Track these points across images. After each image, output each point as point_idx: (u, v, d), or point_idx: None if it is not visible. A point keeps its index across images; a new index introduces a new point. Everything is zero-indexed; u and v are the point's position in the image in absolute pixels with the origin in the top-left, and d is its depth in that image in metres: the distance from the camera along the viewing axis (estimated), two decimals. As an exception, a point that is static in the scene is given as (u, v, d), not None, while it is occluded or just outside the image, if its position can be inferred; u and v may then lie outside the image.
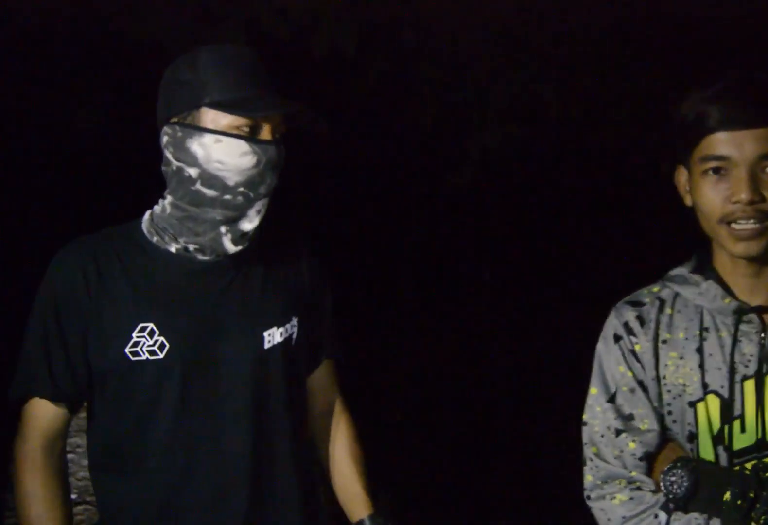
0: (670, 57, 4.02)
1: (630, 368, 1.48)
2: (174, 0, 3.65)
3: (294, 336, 1.66)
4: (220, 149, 1.50)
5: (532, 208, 4.90)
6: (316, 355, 1.78)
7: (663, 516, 1.39)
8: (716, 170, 1.37)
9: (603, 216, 4.71)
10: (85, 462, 4.07)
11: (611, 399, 1.48)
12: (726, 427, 1.41)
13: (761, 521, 1.32)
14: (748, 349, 1.41)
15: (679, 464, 1.40)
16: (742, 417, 1.40)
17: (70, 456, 4.22)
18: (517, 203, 4.86)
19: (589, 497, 1.49)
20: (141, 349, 1.52)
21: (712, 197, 1.38)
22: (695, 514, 1.38)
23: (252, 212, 1.55)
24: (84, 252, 1.58)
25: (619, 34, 4.03)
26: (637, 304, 1.52)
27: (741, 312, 1.42)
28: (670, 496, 1.39)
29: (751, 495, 1.33)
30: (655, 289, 1.55)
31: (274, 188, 1.58)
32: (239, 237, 1.56)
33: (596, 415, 1.49)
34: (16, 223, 3.94)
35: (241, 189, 1.51)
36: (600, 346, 1.54)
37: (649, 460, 1.45)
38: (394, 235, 5.39)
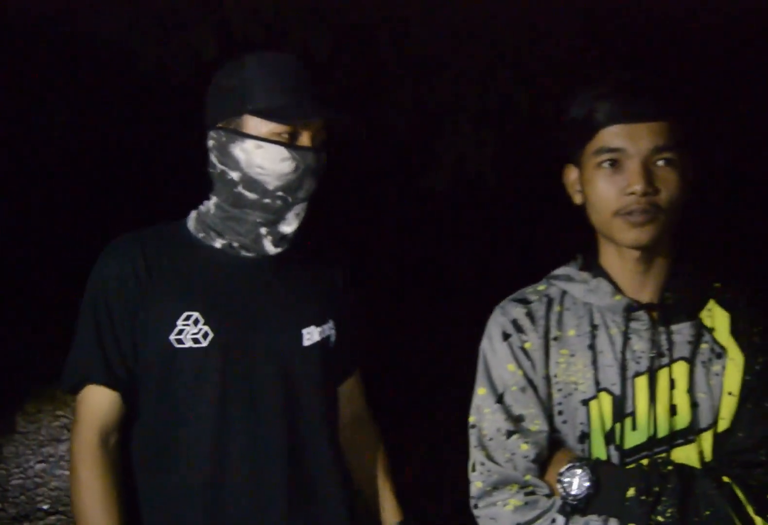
0: (644, 60, 4.05)
1: (520, 366, 1.44)
2: (144, 3, 3.61)
3: (332, 338, 1.71)
4: (260, 155, 1.57)
5: (505, 213, 4.91)
6: (349, 364, 1.82)
7: (560, 520, 1.35)
8: (611, 163, 1.37)
9: (579, 219, 4.72)
10: (59, 472, 4.05)
11: (500, 399, 1.44)
12: (618, 425, 1.39)
13: (667, 514, 1.29)
14: (639, 345, 1.41)
15: (576, 465, 1.37)
16: (633, 414, 1.39)
17: (42, 466, 4.18)
18: (490, 208, 4.86)
19: (476, 506, 1.43)
20: (185, 336, 1.57)
21: (607, 190, 1.37)
22: (593, 517, 1.35)
23: (290, 215, 1.61)
24: (133, 244, 1.65)
25: (594, 38, 4.06)
26: (524, 301, 1.51)
27: (631, 309, 1.41)
28: (569, 499, 1.36)
29: (656, 489, 1.31)
30: (541, 287, 1.54)
31: (313, 193, 1.63)
32: (279, 239, 1.62)
33: (484, 416, 1.45)
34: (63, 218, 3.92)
35: (280, 193, 1.58)
36: (485, 345, 1.51)
37: (541, 462, 1.41)
38: (365, 239, 5.38)
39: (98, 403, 1.60)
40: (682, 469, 1.34)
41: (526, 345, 1.45)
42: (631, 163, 1.35)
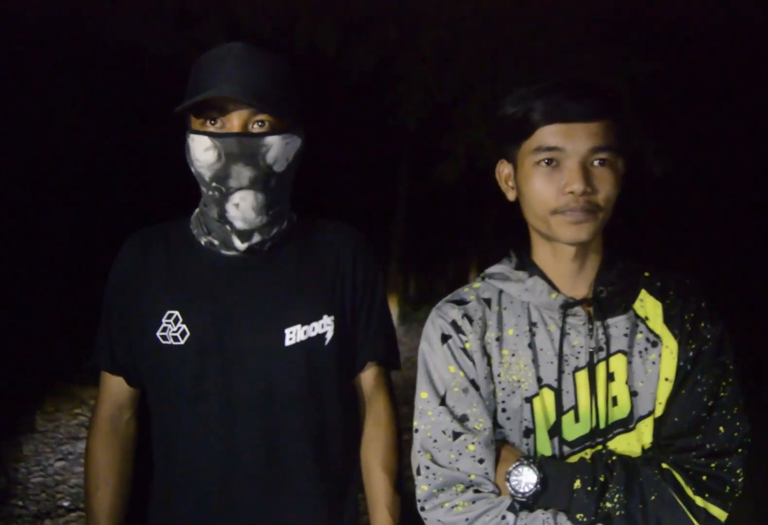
0: (652, 54, 4.04)
1: (461, 368, 1.43)
2: (153, 0, 3.61)
3: (328, 335, 1.65)
4: (193, 147, 1.55)
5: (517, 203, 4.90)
6: (357, 357, 1.74)
7: (510, 517, 1.35)
8: (549, 161, 1.36)
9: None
10: (78, 469, 4.07)
11: (443, 402, 1.43)
12: (561, 419, 1.40)
13: (615, 500, 1.32)
14: (577, 341, 1.41)
15: (524, 462, 1.36)
16: (575, 408, 1.40)
17: (62, 463, 4.20)
18: (504, 200, 4.85)
19: (423, 508, 1.42)
20: (168, 334, 1.60)
21: (545, 188, 1.36)
22: (541, 511, 1.35)
23: (229, 206, 1.55)
24: (138, 242, 1.68)
25: (601, 30, 4.04)
26: (461, 302, 1.49)
27: (567, 306, 1.42)
28: (518, 496, 1.35)
29: (602, 479, 1.33)
30: (476, 285, 1.53)
31: (256, 181, 1.55)
32: (240, 234, 1.59)
33: (428, 419, 1.43)
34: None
35: (214, 184, 1.55)
36: (425, 348, 1.49)
37: (487, 461, 1.40)
38: (376, 231, 5.38)
39: (109, 385, 1.69)
40: (625, 459, 1.37)
41: (467, 345, 1.43)
42: (569, 163, 1.34)
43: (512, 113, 1.39)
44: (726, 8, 3.77)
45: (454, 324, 1.45)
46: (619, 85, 3.87)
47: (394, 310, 7.13)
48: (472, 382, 1.42)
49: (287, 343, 1.60)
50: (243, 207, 1.56)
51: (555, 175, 1.35)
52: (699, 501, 1.32)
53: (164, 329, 1.59)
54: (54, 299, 5.45)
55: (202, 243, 1.63)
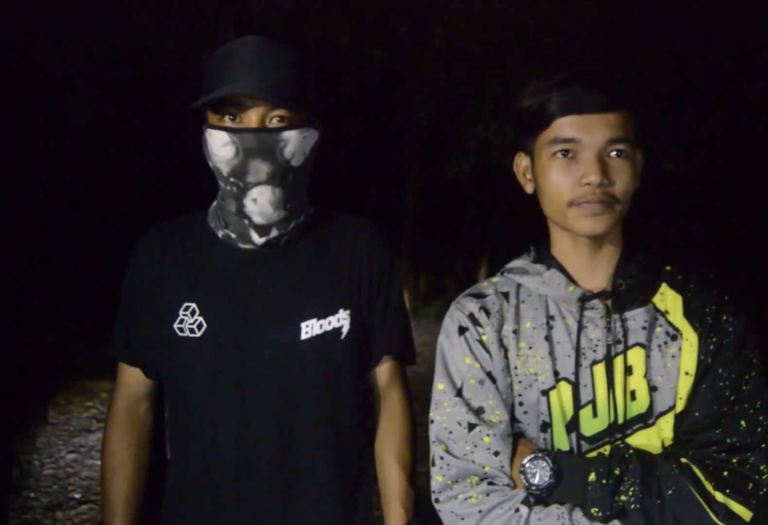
0: (662, 49, 4.02)
1: (477, 359, 1.43)
2: (163, -4, 3.62)
3: (344, 329, 1.66)
4: (212, 142, 1.55)
5: (529, 199, 4.89)
6: (372, 352, 1.75)
7: (524, 510, 1.34)
8: (565, 153, 1.36)
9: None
10: (90, 461, 4.11)
11: (459, 393, 1.43)
12: (579, 413, 1.39)
13: (630, 493, 1.31)
14: (595, 334, 1.41)
15: (539, 455, 1.36)
16: (593, 402, 1.39)
17: (73, 456, 4.24)
18: (514, 195, 4.86)
19: (437, 500, 1.41)
20: (185, 326, 1.61)
21: (562, 180, 1.36)
22: (557, 505, 1.35)
23: (247, 201, 1.56)
24: (156, 235, 1.70)
25: (610, 25, 4.03)
26: (479, 296, 1.49)
27: (585, 298, 1.41)
28: (533, 489, 1.35)
29: (617, 472, 1.32)
30: (495, 279, 1.53)
31: (274, 176, 1.57)
32: (258, 228, 1.60)
33: (444, 410, 1.44)
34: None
35: (232, 179, 1.56)
36: (443, 341, 1.50)
37: (503, 454, 1.39)
38: (386, 227, 5.37)
39: (126, 376, 1.71)
40: (642, 452, 1.36)
41: (484, 338, 1.44)
42: (586, 154, 1.34)
43: (529, 105, 1.39)
44: (738, 3, 3.75)
45: (471, 316, 1.45)
46: (630, 79, 3.86)
47: (404, 305, 7.14)
48: (489, 375, 1.42)
49: (303, 336, 1.61)
50: (261, 202, 1.56)
51: (572, 166, 1.35)
52: (719, 497, 1.30)
53: (181, 321, 1.61)
54: (65, 293, 5.48)
55: (220, 236, 1.64)
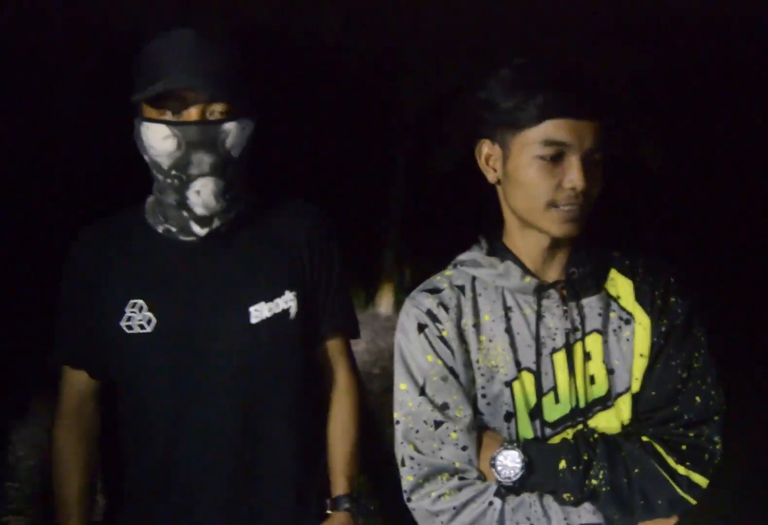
0: (660, 47, 4.04)
1: (439, 356, 1.43)
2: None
3: (292, 311, 1.68)
4: (150, 135, 1.56)
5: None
6: (318, 330, 1.78)
7: (498, 502, 1.36)
8: (554, 155, 1.35)
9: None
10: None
11: (422, 392, 1.43)
12: (542, 401, 1.42)
13: (600, 477, 1.35)
14: (552, 323, 1.44)
15: (509, 447, 1.38)
16: (555, 389, 1.43)
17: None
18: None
19: (410, 499, 1.42)
20: (133, 323, 1.62)
21: (544, 181, 1.36)
22: (527, 494, 1.38)
23: (191, 193, 1.57)
24: (92, 235, 1.69)
25: (601, 22, 4.04)
26: (435, 291, 1.49)
27: (541, 288, 1.44)
28: (505, 481, 1.37)
29: (585, 457, 1.36)
30: (448, 273, 1.52)
31: (216, 168, 1.58)
32: (200, 220, 1.61)
33: (409, 410, 1.44)
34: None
35: (174, 172, 1.56)
36: (401, 339, 1.48)
37: (470, 448, 1.41)
38: (375, 219, 5.37)
39: (69, 380, 1.72)
40: (606, 435, 1.40)
41: (444, 333, 1.44)
42: (573, 158, 1.35)
43: (513, 100, 1.38)
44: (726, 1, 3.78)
45: (429, 313, 1.45)
46: (618, 78, 3.88)
47: (389, 298, 7.15)
48: (451, 370, 1.43)
49: (253, 321, 1.63)
50: (204, 193, 1.58)
51: (555, 169, 1.36)
52: (681, 470, 1.36)
53: (129, 319, 1.62)
54: (40, 283, 5.44)
55: (160, 231, 1.64)
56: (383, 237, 7.34)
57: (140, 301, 1.62)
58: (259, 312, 1.65)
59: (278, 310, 1.67)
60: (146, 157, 1.59)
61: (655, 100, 4.35)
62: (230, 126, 1.58)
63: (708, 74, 4.49)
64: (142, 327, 1.62)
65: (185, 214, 1.60)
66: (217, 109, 1.56)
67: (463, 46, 4.16)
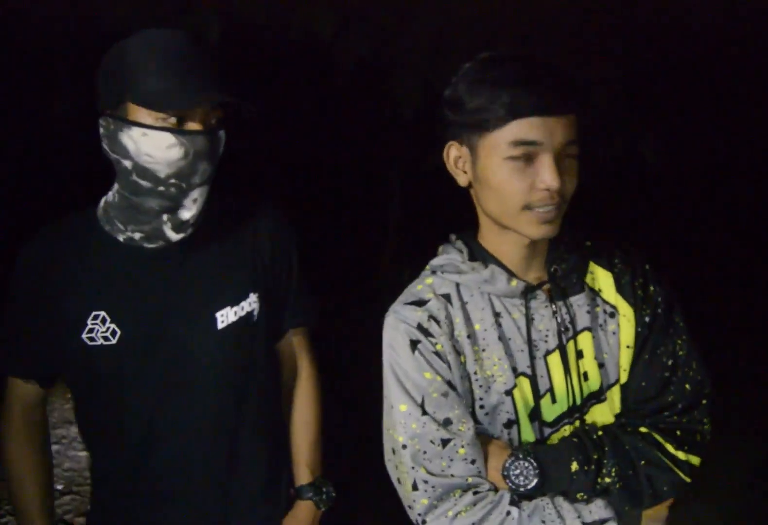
0: (640, 47, 4.04)
1: (438, 372, 1.38)
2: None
3: (255, 312, 1.68)
4: (147, 142, 1.48)
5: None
6: (280, 326, 1.80)
7: (515, 511, 1.34)
8: (525, 155, 1.29)
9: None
10: (72, 453, 4.08)
11: (424, 411, 1.37)
12: (540, 403, 1.41)
13: (612, 473, 1.35)
14: (543, 324, 1.41)
15: (519, 456, 1.36)
16: (551, 390, 1.41)
17: (56, 447, 4.22)
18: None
19: (425, 522, 1.37)
20: (96, 335, 1.58)
21: (518, 183, 1.31)
22: (539, 499, 1.36)
23: (188, 202, 1.55)
24: (42, 243, 1.64)
25: (597, 23, 4.03)
26: (420, 303, 1.42)
27: (528, 291, 1.41)
28: (521, 490, 1.35)
29: (595, 457, 1.35)
30: (429, 281, 1.48)
31: (211, 175, 1.56)
32: (179, 225, 1.57)
33: (415, 433, 1.37)
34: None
35: (173, 180, 1.51)
36: (391, 357, 1.41)
37: (478, 460, 1.38)
38: (373, 219, 5.38)
39: (18, 389, 1.69)
40: (608, 431, 1.40)
41: (438, 347, 1.39)
42: (544, 157, 1.29)
43: (478, 99, 1.33)
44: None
45: (420, 327, 1.40)
46: (612, 74, 3.87)
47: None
48: (450, 384, 1.39)
49: (219, 326, 1.62)
50: (200, 202, 1.56)
51: (527, 169, 1.31)
52: (681, 455, 1.38)
53: (91, 330, 1.58)
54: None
55: (121, 239, 1.60)
56: (383, 239, 7.34)
57: (102, 313, 1.58)
58: (225, 317, 1.63)
59: (243, 313, 1.66)
60: (126, 163, 1.51)
61: (651, 93, 4.35)
62: (222, 134, 1.57)
63: (708, 74, 4.49)
64: (106, 339, 1.57)
65: (164, 218, 1.55)
66: (215, 115, 1.54)
67: (462, 46, 4.16)
